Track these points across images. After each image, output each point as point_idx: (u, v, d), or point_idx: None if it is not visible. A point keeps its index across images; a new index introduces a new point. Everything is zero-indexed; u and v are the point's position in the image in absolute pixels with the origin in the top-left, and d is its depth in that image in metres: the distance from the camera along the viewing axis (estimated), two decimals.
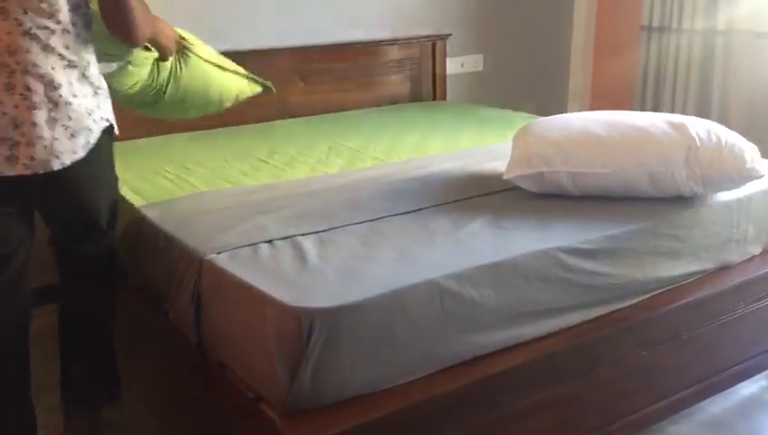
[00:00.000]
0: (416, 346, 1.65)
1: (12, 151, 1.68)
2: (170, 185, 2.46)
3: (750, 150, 2.11)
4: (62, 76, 1.72)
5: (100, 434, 2.14)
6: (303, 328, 1.51)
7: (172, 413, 2.35)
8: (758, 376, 2.40)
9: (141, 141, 2.96)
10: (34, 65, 1.67)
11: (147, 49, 2.06)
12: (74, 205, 1.89)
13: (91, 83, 1.80)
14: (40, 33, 1.67)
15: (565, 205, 2.10)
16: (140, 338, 2.58)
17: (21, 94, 1.66)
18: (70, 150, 1.74)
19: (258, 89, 2.43)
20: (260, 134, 3.12)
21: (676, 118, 2.21)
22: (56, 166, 1.73)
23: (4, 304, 1.88)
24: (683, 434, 2.20)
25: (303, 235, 1.92)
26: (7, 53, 1.65)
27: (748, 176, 2.09)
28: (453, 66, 4.03)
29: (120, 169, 2.65)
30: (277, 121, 3.41)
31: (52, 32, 1.69)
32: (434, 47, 3.90)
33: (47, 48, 1.68)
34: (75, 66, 1.74)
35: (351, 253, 1.82)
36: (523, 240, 1.88)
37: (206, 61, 2.23)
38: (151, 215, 2.17)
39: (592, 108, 4.13)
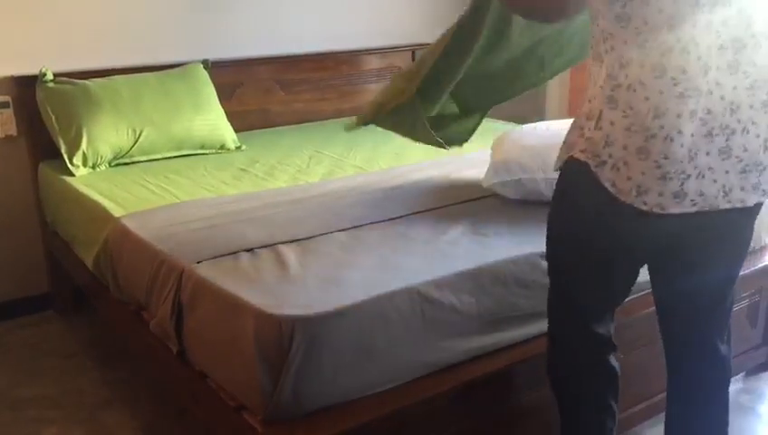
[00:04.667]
0: (397, 353, 1.66)
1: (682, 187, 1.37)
2: (151, 195, 2.45)
3: None
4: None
5: None
6: (284, 336, 1.52)
7: (156, 423, 2.34)
8: (733, 378, 2.43)
9: None
10: None
11: None
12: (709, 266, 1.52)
13: None
14: None
15: (543, 211, 2.10)
16: (123, 349, 2.57)
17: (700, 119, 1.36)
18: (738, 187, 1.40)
19: None
20: (241, 143, 3.12)
21: None
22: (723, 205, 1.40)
23: None
24: None
25: (284, 243, 1.93)
26: None
27: None
28: None
29: (99, 180, 2.67)
30: (258, 130, 3.42)
31: None
32: (413, 56, 3.93)
33: None
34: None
35: (332, 261, 1.83)
36: (501, 246, 1.90)
37: None
38: (131, 225, 2.16)
39: (570, 116, 4.17)
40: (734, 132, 1.36)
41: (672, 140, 1.33)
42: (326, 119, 3.67)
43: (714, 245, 1.49)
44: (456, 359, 1.75)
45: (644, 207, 1.36)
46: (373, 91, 3.84)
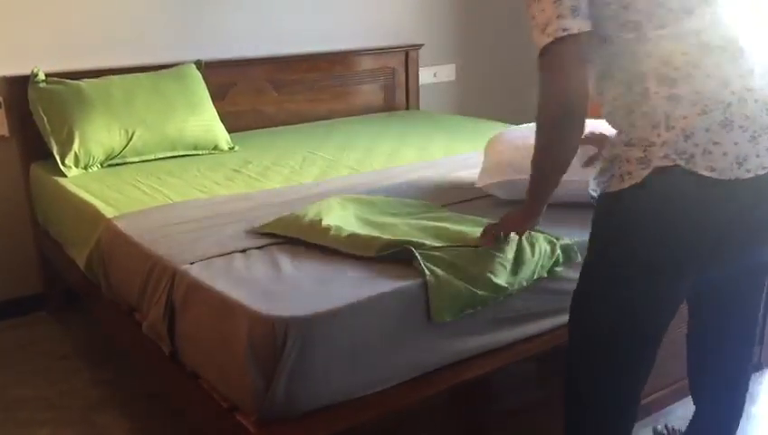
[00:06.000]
0: (390, 354, 1.65)
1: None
2: (143, 196, 2.45)
3: None
4: None
5: None
6: (277, 336, 1.51)
7: (149, 424, 2.33)
8: None
9: None
10: None
11: None
12: None
13: None
14: None
15: None
16: (115, 350, 2.56)
17: None
18: None
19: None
20: (234, 144, 3.12)
21: None
22: None
23: None
24: None
25: (276, 244, 1.92)
26: None
27: None
28: (425, 76, 4.06)
29: (91, 181, 2.65)
30: (251, 131, 3.42)
31: None
32: (407, 57, 3.93)
33: None
34: None
35: (325, 261, 1.82)
36: None
37: None
38: (124, 226, 2.15)
39: None
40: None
41: (746, 100, 1.35)
42: (320, 119, 3.66)
43: None
44: (450, 359, 1.74)
45: (747, 175, 1.34)
46: (366, 91, 3.85)
